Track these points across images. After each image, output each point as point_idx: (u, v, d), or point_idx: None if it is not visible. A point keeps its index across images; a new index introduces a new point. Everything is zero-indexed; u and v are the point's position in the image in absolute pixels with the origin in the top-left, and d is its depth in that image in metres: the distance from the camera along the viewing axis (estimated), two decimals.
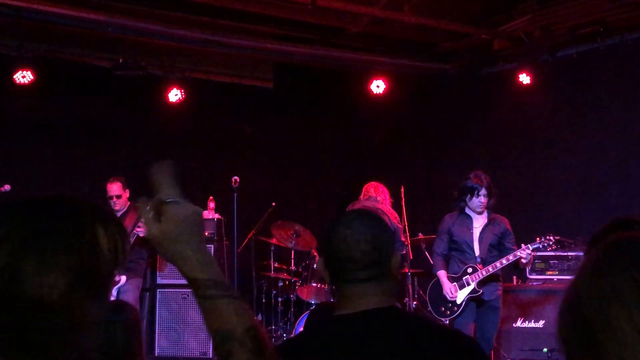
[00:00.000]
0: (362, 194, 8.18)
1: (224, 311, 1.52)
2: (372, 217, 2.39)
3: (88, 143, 9.46)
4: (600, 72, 8.74)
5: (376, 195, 8.00)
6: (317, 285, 8.37)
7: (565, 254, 7.71)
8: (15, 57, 8.42)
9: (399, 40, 9.57)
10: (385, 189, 8.10)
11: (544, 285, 7.83)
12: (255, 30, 9.04)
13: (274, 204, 8.91)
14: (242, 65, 10.25)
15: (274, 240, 8.95)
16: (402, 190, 8.37)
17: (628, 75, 8.61)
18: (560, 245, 7.86)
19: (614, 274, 1.21)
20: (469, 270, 6.76)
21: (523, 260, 6.64)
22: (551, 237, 6.71)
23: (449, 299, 6.78)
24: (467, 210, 6.89)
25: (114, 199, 7.75)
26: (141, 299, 8.27)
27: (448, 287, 6.80)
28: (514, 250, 6.74)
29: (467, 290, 6.74)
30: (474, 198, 6.75)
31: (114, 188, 7.79)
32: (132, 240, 7.40)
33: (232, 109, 10.43)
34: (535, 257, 7.85)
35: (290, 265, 8.79)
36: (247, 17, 8.65)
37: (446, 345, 2.20)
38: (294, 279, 8.66)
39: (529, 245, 6.65)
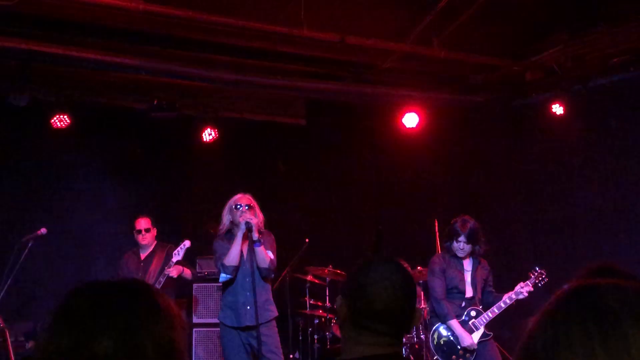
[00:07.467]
0: None
1: None
2: (405, 269, 2.38)
3: (124, 185, 9.60)
4: (634, 101, 8.64)
5: None
6: None
7: None
8: (52, 102, 8.64)
9: (430, 74, 9.59)
10: None
11: None
12: (286, 69, 9.13)
13: (307, 240, 8.92)
14: (275, 104, 10.35)
15: (309, 277, 8.96)
16: (436, 223, 8.34)
17: None
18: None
19: (569, 323, 1.22)
20: (473, 313, 6.76)
21: (521, 297, 6.69)
22: (537, 270, 6.81)
23: (470, 348, 6.65)
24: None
25: (143, 232, 7.91)
26: None
27: (469, 340, 6.64)
28: (491, 291, 6.93)
29: (477, 335, 6.71)
30: (454, 243, 6.79)
31: (143, 222, 7.98)
32: (162, 281, 7.50)
33: (266, 147, 10.52)
34: None
35: (326, 302, 8.77)
36: (278, 56, 8.75)
37: None
38: (330, 315, 8.63)
39: (528, 282, 6.72)
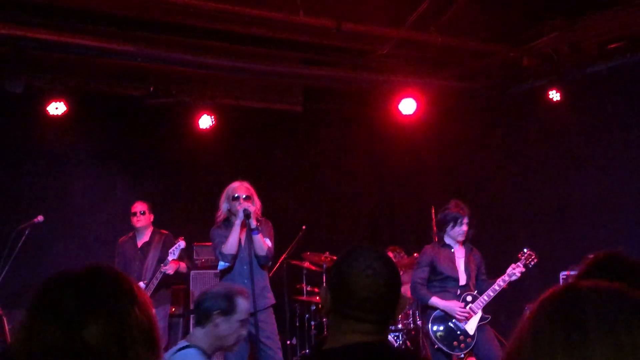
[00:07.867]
0: None
1: None
2: (388, 257, 2.40)
3: (120, 172, 9.59)
4: (631, 88, 8.62)
5: None
6: None
7: None
8: (48, 89, 8.61)
9: (427, 60, 9.56)
10: None
11: None
12: (282, 55, 9.10)
13: (304, 227, 8.92)
14: (272, 90, 10.32)
15: (306, 264, 8.96)
16: (433, 210, 8.34)
17: None
18: None
19: (541, 324, 1.25)
20: (469, 298, 6.77)
21: (514, 278, 6.73)
22: (526, 251, 6.85)
23: (462, 316, 6.66)
24: (447, 241, 6.93)
25: (138, 214, 7.98)
26: (174, 325, 8.38)
27: (456, 307, 6.66)
28: (484, 279, 6.93)
29: (475, 319, 6.73)
30: (456, 227, 6.82)
31: (139, 205, 8.06)
32: (159, 277, 7.57)
33: (263, 134, 10.51)
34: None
35: None
36: (274, 43, 8.72)
37: None
38: None
39: (519, 263, 6.77)
